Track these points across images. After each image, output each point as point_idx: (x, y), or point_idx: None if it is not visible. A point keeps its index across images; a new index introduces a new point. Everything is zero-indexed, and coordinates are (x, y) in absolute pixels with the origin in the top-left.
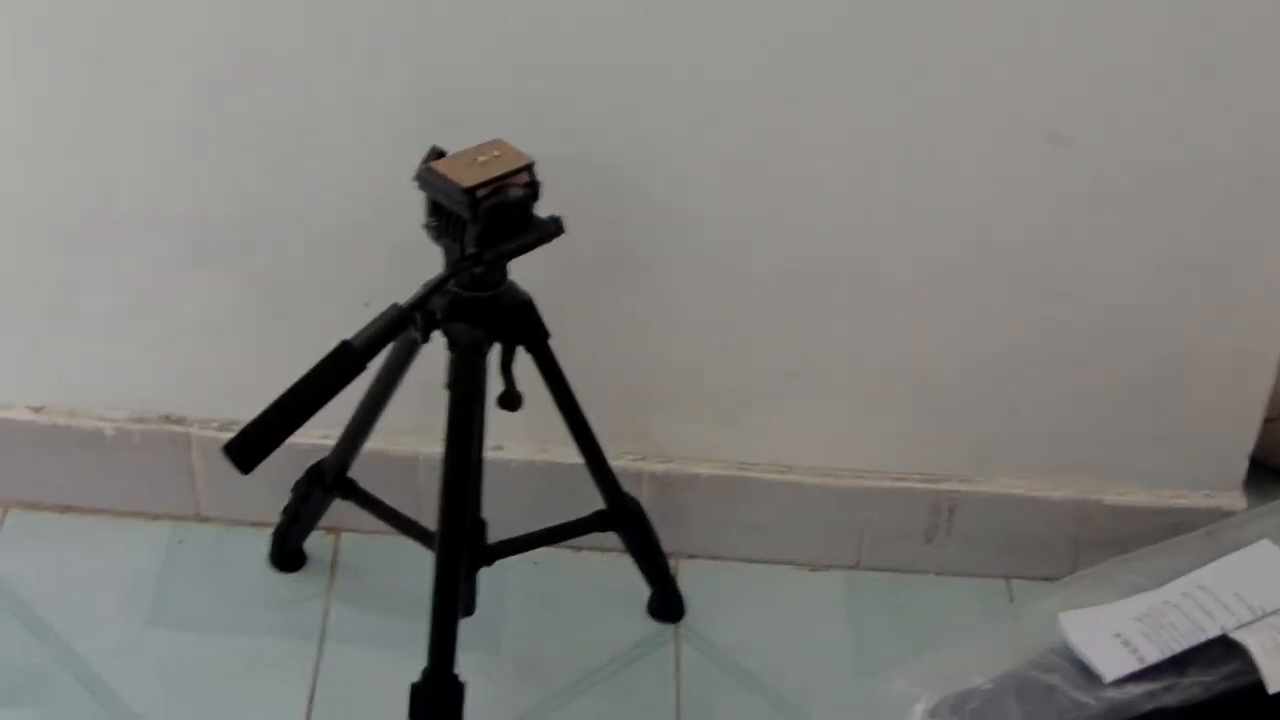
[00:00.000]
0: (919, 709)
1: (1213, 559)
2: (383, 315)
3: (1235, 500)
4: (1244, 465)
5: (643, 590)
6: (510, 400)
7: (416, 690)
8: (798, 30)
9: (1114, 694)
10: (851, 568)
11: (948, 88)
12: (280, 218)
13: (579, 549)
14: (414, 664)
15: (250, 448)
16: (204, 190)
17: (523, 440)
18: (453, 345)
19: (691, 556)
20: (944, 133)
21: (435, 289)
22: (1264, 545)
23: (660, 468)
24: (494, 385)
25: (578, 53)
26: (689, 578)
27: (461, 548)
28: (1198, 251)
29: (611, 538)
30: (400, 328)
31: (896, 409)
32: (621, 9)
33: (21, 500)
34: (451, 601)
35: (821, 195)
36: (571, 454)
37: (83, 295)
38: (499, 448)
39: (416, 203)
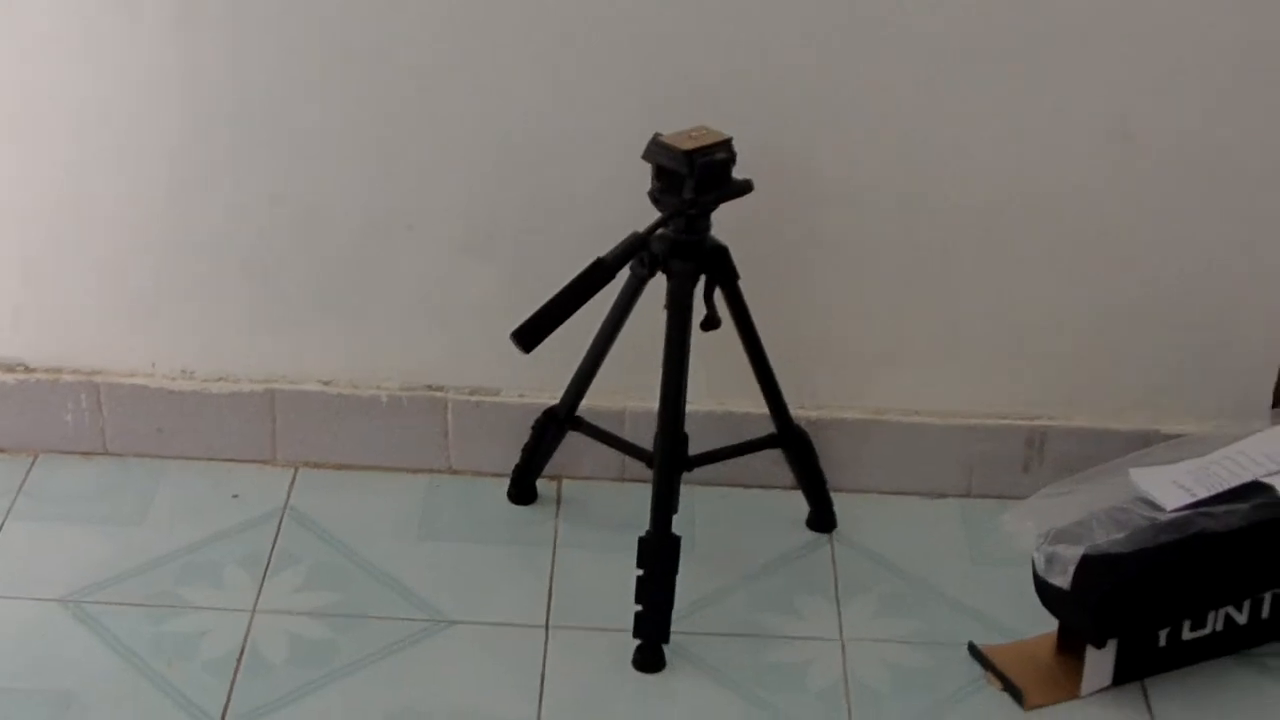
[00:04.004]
0: (1033, 532)
1: None
2: (625, 240)
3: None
4: (1268, 398)
5: (800, 513)
6: (710, 322)
7: (644, 541)
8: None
9: (1173, 516)
10: (964, 495)
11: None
12: (534, 217)
13: (749, 487)
14: (629, 560)
15: (530, 335)
16: (471, 196)
17: (705, 397)
18: (670, 276)
19: (836, 490)
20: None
21: (661, 224)
22: None
23: (813, 413)
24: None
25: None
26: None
27: (679, 432)
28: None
29: (775, 481)
30: (638, 248)
31: (1001, 361)
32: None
33: (308, 461)
34: (671, 476)
35: (961, 183)
36: (744, 405)
37: (373, 287)
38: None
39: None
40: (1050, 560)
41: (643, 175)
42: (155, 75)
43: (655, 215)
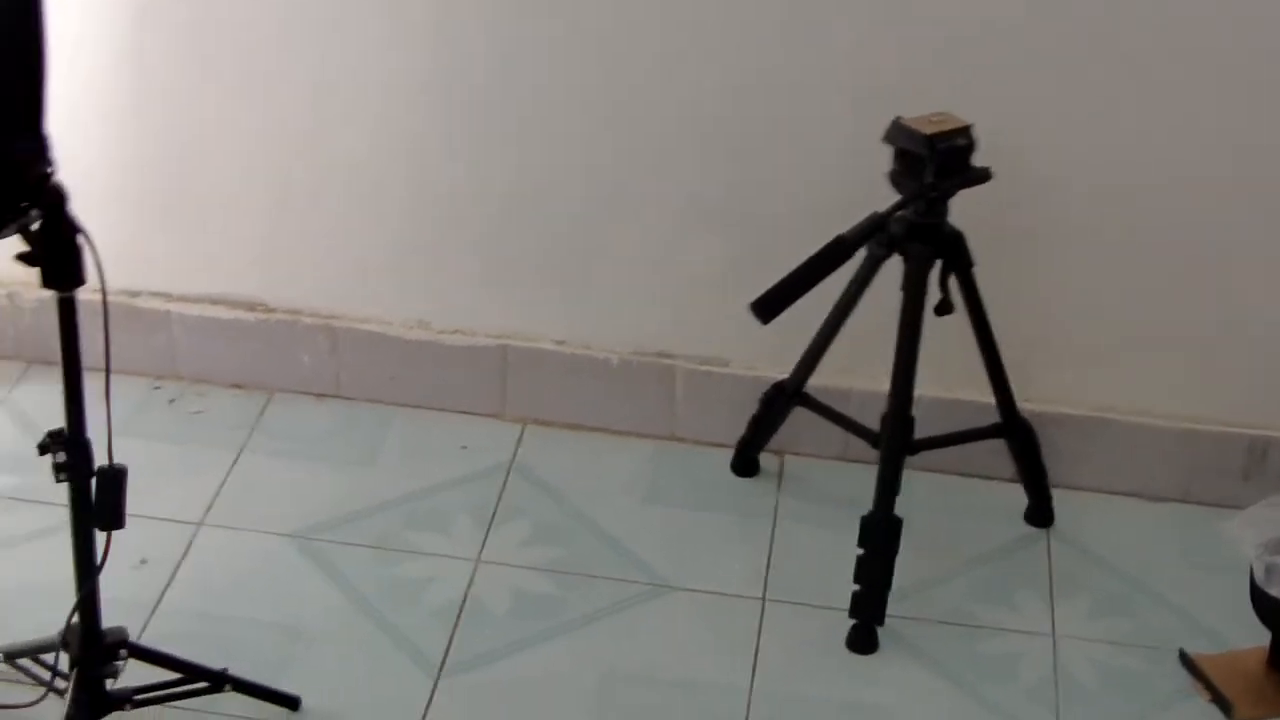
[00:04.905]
0: (1252, 541)
1: None
2: (864, 220)
3: None
4: None
5: (1019, 506)
6: (944, 307)
7: (866, 520)
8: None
9: None
10: (1181, 500)
11: None
12: (763, 193)
13: (969, 476)
14: (847, 540)
15: (769, 306)
16: (701, 171)
17: (931, 382)
18: (907, 258)
19: (1054, 485)
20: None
21: (903, 206)
22: None
23: (1036, 407)
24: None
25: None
26: (1053, 500)
27: (908, 414)
28: None
29: (995, 472)
30: (878, 228)
31: (1227, 368)
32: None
33: (536, 418)
34: (897, 457)
35: (1191, 185)
36: (970, 393)
37: (608, 254)
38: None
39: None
40: (1270, 571)
41: (866, 156)
42: (408, 43)
43: (885, 197)
